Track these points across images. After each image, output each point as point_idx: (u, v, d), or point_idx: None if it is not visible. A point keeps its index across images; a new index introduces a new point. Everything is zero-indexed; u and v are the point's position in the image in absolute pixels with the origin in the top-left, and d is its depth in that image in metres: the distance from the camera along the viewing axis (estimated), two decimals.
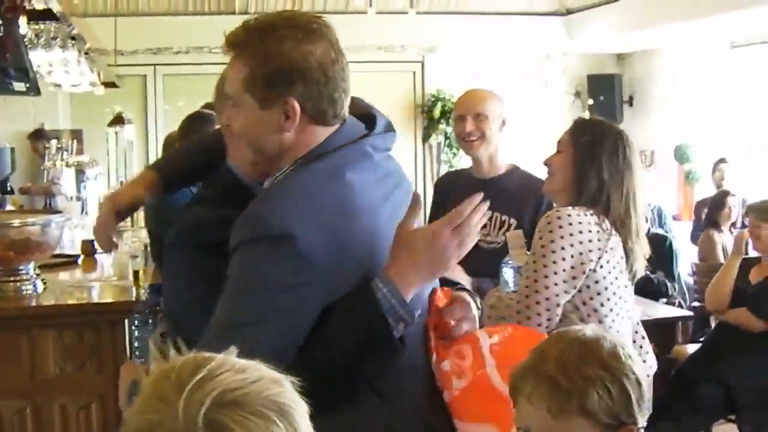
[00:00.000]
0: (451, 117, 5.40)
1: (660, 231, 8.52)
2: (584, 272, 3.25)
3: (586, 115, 12.97)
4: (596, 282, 3.28)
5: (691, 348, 6.33)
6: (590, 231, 3.26)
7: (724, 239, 8.46)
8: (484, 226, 2.59)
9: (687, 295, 7.97)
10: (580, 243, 3.23)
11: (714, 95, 12.12)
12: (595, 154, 3.36)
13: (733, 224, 8.64)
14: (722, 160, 10.55)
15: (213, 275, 2.21)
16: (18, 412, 4.25)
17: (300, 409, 1.43)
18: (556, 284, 3.20)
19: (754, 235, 5.79)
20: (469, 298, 2.42)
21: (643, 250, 3.53)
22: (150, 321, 2.54)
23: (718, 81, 12.08)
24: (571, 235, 3.22)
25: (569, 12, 12.25)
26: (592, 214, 3.30)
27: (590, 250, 3.24)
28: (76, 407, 4.30)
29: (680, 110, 12.69)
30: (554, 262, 3.21)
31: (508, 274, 3.41)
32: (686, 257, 8.63)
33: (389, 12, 10.98)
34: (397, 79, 12.85)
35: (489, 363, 2.28)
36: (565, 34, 12.24)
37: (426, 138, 12.73)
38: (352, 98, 2.34)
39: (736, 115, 11.87)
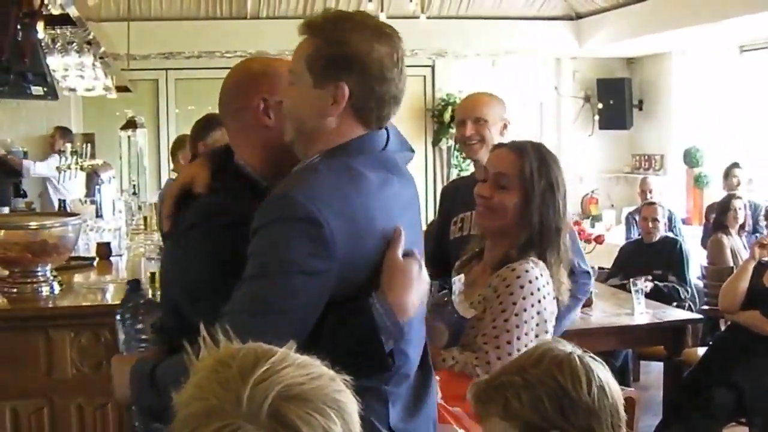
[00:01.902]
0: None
1: (670, 235, 8.52)
2: (546, 331, 3.10)
3: (596, 118, 13.02)
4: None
5: (701, 351, 6.34)
6: (546, 285, 3.12)
7: (733, 242, 8.48)
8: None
9: (697, 298, 7.98)
10: (539, 302, 3.07)
11: (723, 99, 12.12)
12: (548, 199, 3.19)
13: (742, 227, 8.65)
14: (735, 165, 10.51)
15: (227, 257, 2.27)
16: (35, 411, 4.30)
17: (353, 408, 1.47)
18: (519, 350, 2.98)
19: None
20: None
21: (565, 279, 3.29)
22: (138, 316, 2.58)
23: (728, 85, 12.08)
24: (532, 294, 3.06)
25: (579, 16, 12.26)
26: (542, 267, 3.15)
27: (551, 311, 3.13)
28: (93, 407, 4.34)
29: (690, 114, 12.69)
30: (518, 327, 3.03)
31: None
32: (696, 261, 8.64)
33: (400, 16, 10.99)
34: (408, 83, 12.78)
35: None
36: (575, 38, 12.26)
37: (436, 142, 12.77)
38: None
39: (746, 118, 11.87)
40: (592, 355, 1.99)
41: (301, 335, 2.07)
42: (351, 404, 1.47)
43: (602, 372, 1.92)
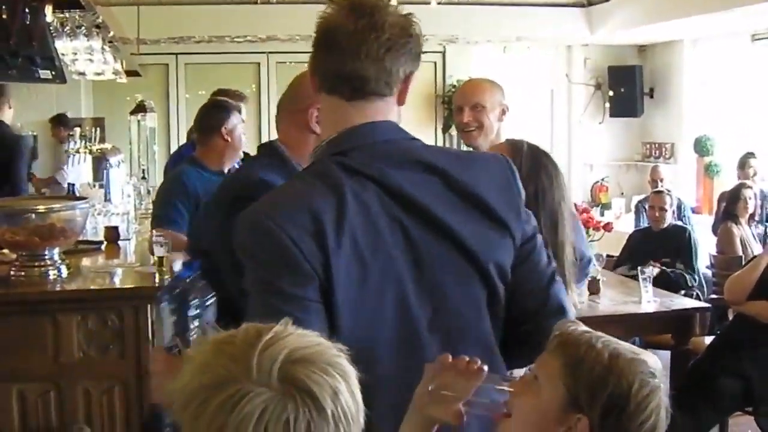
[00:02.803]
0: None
1: (679, 223, 8.51)
2: None
3: (607, 106, 12.98)
4: None
5: (708, 340, 6.34)
6: None
7: (742, 232, 8.46)
8: None
9: (705, 287, 7.97)
10: None
11: (735, 87, 12.10)
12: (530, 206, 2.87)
13: (752, 216, 8.64)
14: (751, 155, 10.48)
15: None
16: (42, 394, 4.31)
17: (353, 372, 1.53)
18: None
19: None
20: None
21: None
22: (189, 302, 2.37)
23: (739, 73, 12.05)
24: None
25: (590, 3, 12.23)
26: None
27: None
28: (99, 391, 4.35)
29: (701, 102, 12.67)
30: None
31: None
32: (705, 250, 8.62)
33: (411, 2, 10.97)
34: (419, 69, 12.84)
35: None
36: (587, 25, 12.22)
37: (446, 128, 12.75)
38: None
39: (757, 107, 11.84)
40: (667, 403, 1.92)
41: None
42: (350, 369, 1.52)
43: (663, 419, 1.89)
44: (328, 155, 2.21)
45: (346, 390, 1.49)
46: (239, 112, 6.36)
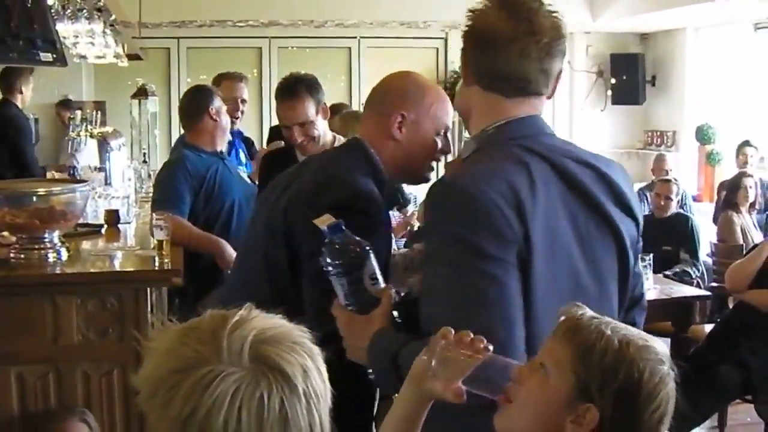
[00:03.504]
0: None
1: (681, 211, 8.51)
2: None
3: (609, 93, 12.96)
4: None
5: (708, 328, 6.34)
6: None
7: (743, 220, 8.47)
8: None
9: (705, 275, 7.98)
10: None
11: (737, 76, 12.09)
12: None
13: (752, 205, 8.64)
14: (746, 143, 10.49)
15: None
16: (41, 377, 4.30)
17: (318, 352, 1.56)
18: None
19: None
20: None
21: None
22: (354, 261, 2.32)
23: (742, 62, 12.04)
24: None
25: None
26: None
27: None
28: (98, 374, 4.34)
29: (703, 91, 12.66)
30: None
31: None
32: (706, 238, 8.63)
33: None
34: (420, 56, 12.84)
35: None
36: (589, 12, 12.19)
37: None
38: None
39: (760, 96, 11.82)
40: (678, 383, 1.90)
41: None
42: (316, 348, 1.55)
43: (672, 406, 1.87)
44: (505, 140, 2.29)
45: (314, 368, 1.51)
46: (242, 90, 6.48)
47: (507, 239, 2.10)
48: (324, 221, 2.32)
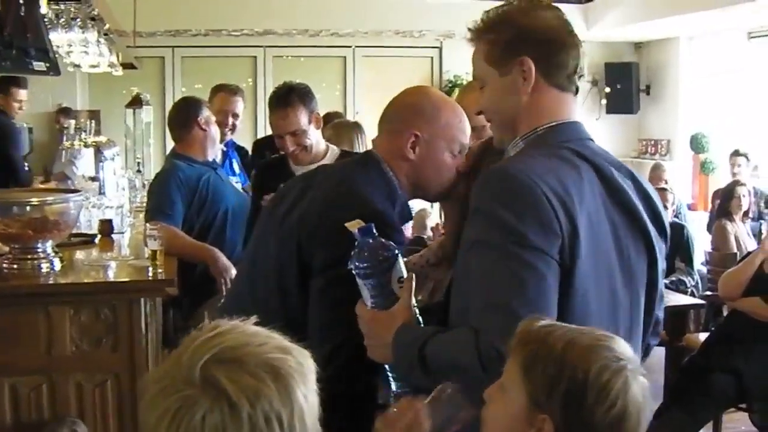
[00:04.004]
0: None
1: (676, 220, 8.52)
2: None
3: (603, 102, 12.97)
4: None
5: (703, 336, 6.35)
6: None
7: (736, 229, 8.48)
8: None
9: (700, 284, 7.99)
10: None
11: (731, 85, 12.11)
12: None
13: (746, 213, 8.66)
14: (736, 152, 10.52)
15: None
16: (34, 388, 4.29)
17: (301, 380, 1.51)
18: None
19: None
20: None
21: None
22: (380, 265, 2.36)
23: (735, 71, 12.06)
24: None
25: (587, 0, 12.23)
26: None
27: None
28: (92, 384, 4.33)
29: (697, 100, 12.68)
30: None
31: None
32: (700, 246, 8.65)
33: None
34: (415, 65, 12.87)
35: None
36: (583, 21, 12.21)
37: None
38: None
39: (753, 105, 11.84)
40: (644, 379, 1.87)
41: None
42: (297, 375, 1.51)
43: (636, 401, 1.82)
44: (555, 141, 2.33)
45: (276, 393, 1.47)
46: (235, 104, 6.48)
47: (553, 232, 2.12)
48: (355, 225, 2.35)
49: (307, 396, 1.52)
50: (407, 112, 2.87)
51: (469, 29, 2.47)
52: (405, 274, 2.36)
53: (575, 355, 1.81)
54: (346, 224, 2.36)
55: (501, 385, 1.90)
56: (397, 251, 2.36)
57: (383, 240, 2.36)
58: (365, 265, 2.33)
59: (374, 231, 2.35)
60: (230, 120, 6.63)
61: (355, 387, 2.56)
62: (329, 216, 2.63)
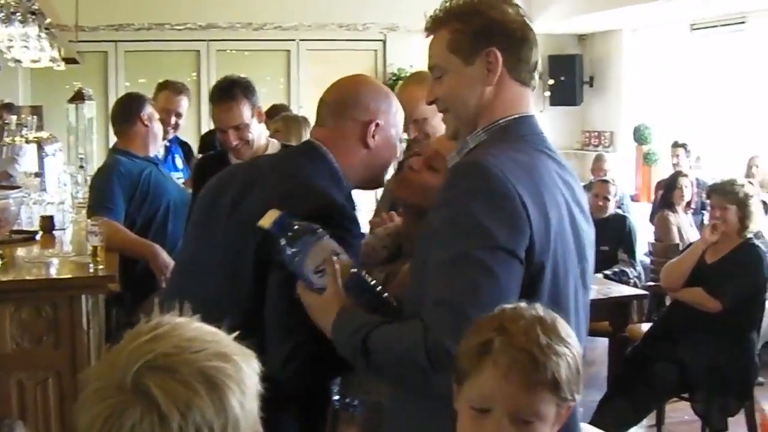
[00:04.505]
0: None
1: (619, 212, 8.58)
2: None
3: (547, 94, 13.03)
4: None
5: (645, 327, 6.40)
6: None
7: (679, 220, 8.56)
8: None
9: (643, 274, 8.05)
10: None
11: (673, 77, 12.22)
12: None
13: (688, 204, 8.75)
14: (676, 144, 10.62)
15: None
16: None
17: (238, 388, 1.46)
18: None
19: (717, 216, 5.75)
20: None
21: None
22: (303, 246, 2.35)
23: (678, 63, 12.17)
24: None
25: None
26: None
27: None
28: (33, 382, 4.29)
29: (640, 91, 12.79)
30: None
31: None
32: (643, 237, 8.72)
33: None
34: (359, 58, 12.85)
35: None
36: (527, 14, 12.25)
37: None
38: None
39: (696, 96, 11.96)
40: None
41: None
42: (233, 384, 1.46)
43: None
44: (517, 135, 2.38)
45: (209, 404, 1.42)
46: (179, 103, 6.45)
47: (522, 231, 2.11)
48: (269, 220, 2.33)
49: (244, 404, 1.47)
50: (366, 101, 2.84)
51: (431, 17, 2.45)
52: (339, 248, 2.38)
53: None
54: (260, 223, 2.37)
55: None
56: (320, 229, 2.37)
57: (303, 222, 2.37)
58: (296, 250, 2.34)
59: (289, 216, 2.35)
60: (173, 119, 6.58)
61: (311, 387, 2.56)
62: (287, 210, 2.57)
